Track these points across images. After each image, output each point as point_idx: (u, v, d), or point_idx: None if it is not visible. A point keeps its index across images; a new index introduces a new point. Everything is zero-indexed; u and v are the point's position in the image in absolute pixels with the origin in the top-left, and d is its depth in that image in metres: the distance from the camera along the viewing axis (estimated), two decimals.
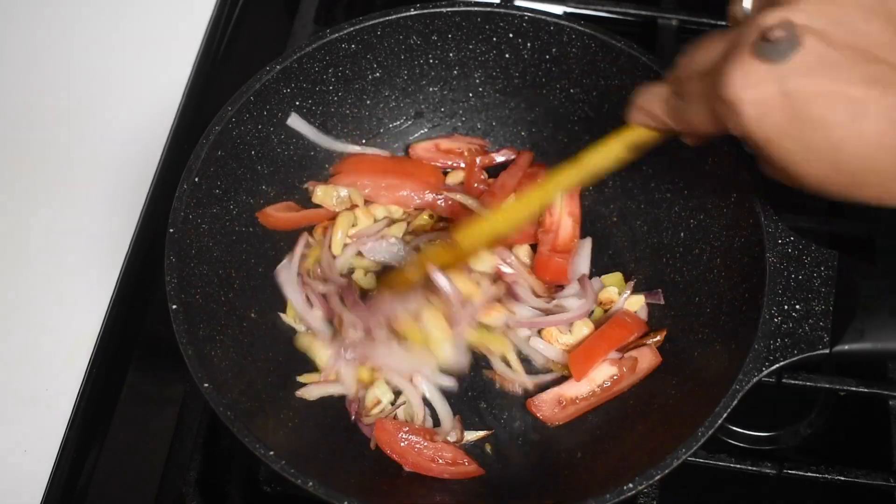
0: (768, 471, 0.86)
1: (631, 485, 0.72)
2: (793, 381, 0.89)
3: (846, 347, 0.78)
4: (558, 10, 1.16)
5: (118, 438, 0.92)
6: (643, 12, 1.15)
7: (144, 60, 1.13)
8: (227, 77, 1.12)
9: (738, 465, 0.86)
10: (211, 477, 0.87)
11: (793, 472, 0.86)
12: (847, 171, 0.60)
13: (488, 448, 0.89)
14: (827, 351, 0.78)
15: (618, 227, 1.00)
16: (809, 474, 0.86)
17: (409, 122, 1.02)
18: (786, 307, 0.79)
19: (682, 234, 0.93)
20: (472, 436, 0.89)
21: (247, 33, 1.17)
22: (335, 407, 0.89)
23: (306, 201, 0.98)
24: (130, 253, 0.97)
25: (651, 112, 0.73)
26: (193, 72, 1.10)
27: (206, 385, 0.73)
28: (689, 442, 0.73)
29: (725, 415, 0.74)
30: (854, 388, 0.89)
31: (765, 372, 0.76)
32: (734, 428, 0.94)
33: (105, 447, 0.91)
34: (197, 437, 0.87)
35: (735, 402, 0.75)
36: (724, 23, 1.14)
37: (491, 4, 0.93)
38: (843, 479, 0.85)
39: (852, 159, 0.59)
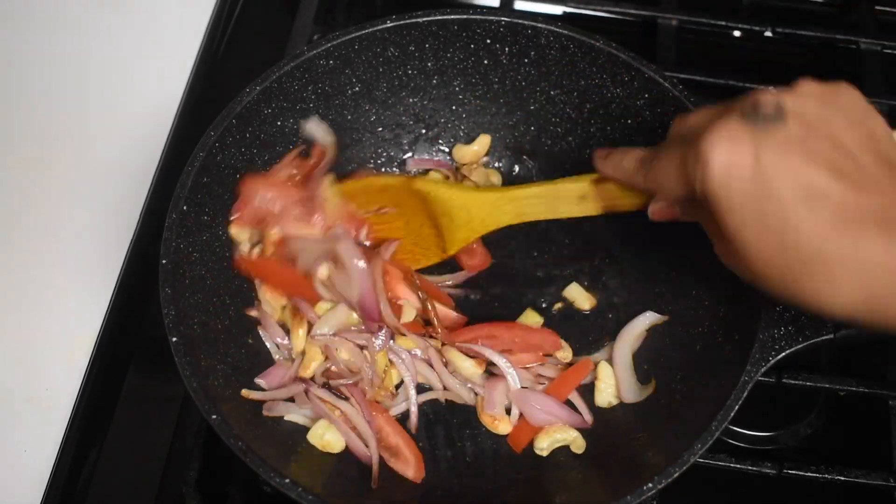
0: (768, 471, 0.86)
1: (651, 484, 0.72)
2: (793, 381, 0.89)
3: (850, 331, 0.78)
4: (558, 10, 1.16)
5: (118, 438, 0.92)
6: (643, 12, 1.15)
7: (145, 60, 1.14)
8: (227, 77, 1.12)
9: (738, 465, 0.86)
10: (211, 477, 0.87)
11: (793, 472, 0.86)
12: (791, 258, 0.60)
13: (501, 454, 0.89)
14: (831, 336, 0.78)
15: (607, 224, 0.99)
16: (809, 474, 0.86)
17: (391, 136, 1.02)
18: None
19: (673, 228, 0.93)
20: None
21: (247, 33, 1.17)
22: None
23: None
24: (130, 253, 0.98)
25: (621, 165, 0.74)
26: (193, 72, 1.10)
27: (214, 417, 0.73)
28: (704, 437, 0.73)
29: (738, 406, 0.74)
30: (854, 388, 0.89)
31: (772, 361, 0.77)
32: (734, 428, 0.94)
33: (105, 447, 0.91)
34: (197, 437, 0.87)
35: (745, 394, 0.75)
36: (723, 22, 1.15)
37: (466, 11, 0.93)
38: (843, 479, 0.85)
39: (800, 246, 0.59)
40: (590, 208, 0.83)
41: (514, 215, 0.88)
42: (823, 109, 0.62)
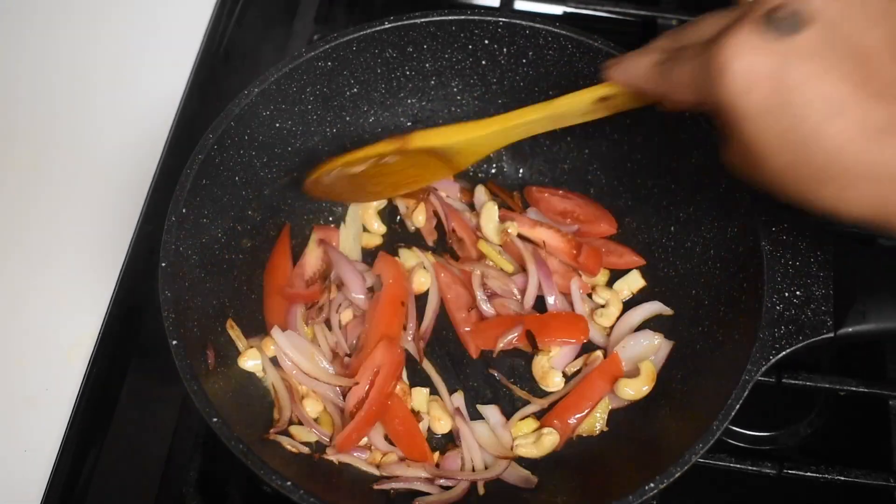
0: (768, 471, 0.86)
1: (652, 484, 0.72)
2: (793, 381, 0.89)
3: (850, 330, 0.79)
4: (558, 10, 1.16)
5: (118, 438, 0.92)
6: (643, 12, 1.15)
7: (145, 60, 1.14)
8: (227, 77, 1.12)
9: (738, 465, 0.86)
10: (211, 477, 0.87)
11: (793, 472, 0.85)
12: (809, 166, 0.60)
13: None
14: (831, 335, 0.78)
15: None
16: (809, 474, 0.85)
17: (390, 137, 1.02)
18: (786, 294, 0.79)
19: (672, 229, 0.93)
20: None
21: (247, 33, 1.17)
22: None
23: (292, 225, 0.97)
24: (130, 253, 0.98)
25: (634, 70, 0.72)
26: (193, 72, 1.10)
27: (214, 420, 0.73)
28: (705, 436, 0.73)
29: (738, 406, 0.74)
30: (854, 388, 0.89)
31: (772, 360, 0.77)
32: (734, 428, 0.94)
33: (105, 447, 0.91)
34: (197, 437, 0.87)
35: (746, 393, 0.75)
36: None
37: (464, 12, 0.93)
38: (843, 479, 0.85)
39: (817, 154, 0.59)
40: (594, 116, 0.80)
41: (520, 135, 0.85)
42: (845, 8, 0.60)
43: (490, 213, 0.98)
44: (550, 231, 0.97)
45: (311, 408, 0.88)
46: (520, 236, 0.97)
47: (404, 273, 0.94)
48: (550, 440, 0.86)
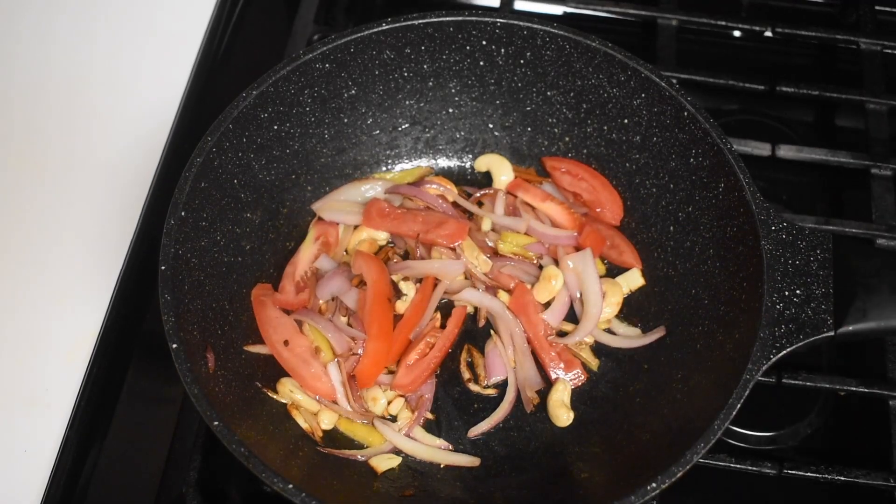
0: (768, 471, 0.86)
1: (654, 484, 0.72)
2: (793, 381, 0.89)
3: (850, 328, 0.79)
4: (558, 10, 1.16)
5: (118, 438, 0.92)
6: (643, 12, 1.15)
7: (145, 60, 1.14)
8: (226, 77, 1.12)
9: (738, 465, 0.86)
10: (211, 477, 0.87)
11: (793, 472, 0.86)
12: None
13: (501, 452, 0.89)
14: (832, 333, 0.79)
15: None
16: (809, 474, 0.86)
17: (388, 139, 1.02)
18: (786, 293, 0.80)
19: (671, 228, 0.93)
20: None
21: (247, 33, 1.17)
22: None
23: (290, 227, 0.97)
24: (130, 253, 0.98)
25: None
26: (193, 72, 1.10)
27: (216, 423, 0.73)
28: (706, 436, 0.73)
29: (739, 405, 0.74)
30: (854, 388, 0.89)
31: (773, 359, 0.77)
32: (734, 428, 0.94)
33: (105, 447, 0.91)
34: (197, 437, 0.87)
35: (747, 393, 0.75)
36: (723, 22, 1.15)
37: (462, 13, 0.93)
38: (843, 479, 0.85)
39: None
40: None
41: None
42: None
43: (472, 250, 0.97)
44: (559, 207, 0.97)
45: (327, 419, 0.89)
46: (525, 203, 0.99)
47: (385, 270, 0.93)
48: None
